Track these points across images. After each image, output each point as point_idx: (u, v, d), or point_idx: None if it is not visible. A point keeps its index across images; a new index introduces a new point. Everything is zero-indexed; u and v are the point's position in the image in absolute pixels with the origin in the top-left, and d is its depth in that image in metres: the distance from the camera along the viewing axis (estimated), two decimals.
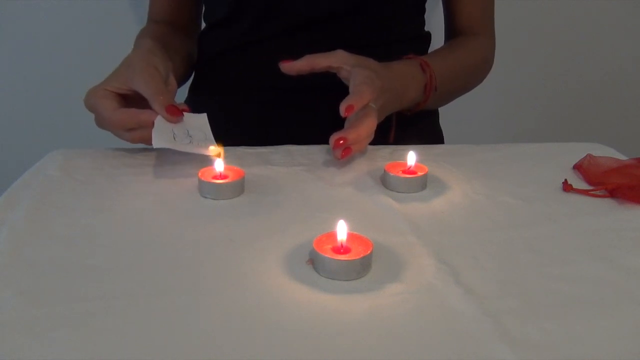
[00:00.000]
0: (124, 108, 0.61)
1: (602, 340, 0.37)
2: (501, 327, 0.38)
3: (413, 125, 0.81)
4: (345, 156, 0.61)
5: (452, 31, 0.86)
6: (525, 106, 1.43)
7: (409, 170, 0.59)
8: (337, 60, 0.65)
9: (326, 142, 0.71)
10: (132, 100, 0.62)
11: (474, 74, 0.84)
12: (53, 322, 0.37)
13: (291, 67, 0.65)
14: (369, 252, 0.43)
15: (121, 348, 0.35)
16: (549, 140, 0.74)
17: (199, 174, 0.57)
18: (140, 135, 0.61)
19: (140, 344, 0.36)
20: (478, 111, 1.36)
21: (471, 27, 0.84)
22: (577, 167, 0.65)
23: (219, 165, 0.58)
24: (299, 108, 0.77)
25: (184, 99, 0.89)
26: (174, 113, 0.59)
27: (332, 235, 0.45)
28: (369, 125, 0.62)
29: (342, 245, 0.44)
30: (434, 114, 0.89)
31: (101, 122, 0.62)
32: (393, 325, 0.38)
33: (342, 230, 0.44)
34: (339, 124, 0.76)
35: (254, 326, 0.37)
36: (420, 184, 0.59)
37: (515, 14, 1.28)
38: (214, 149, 0.59)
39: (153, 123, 0.59)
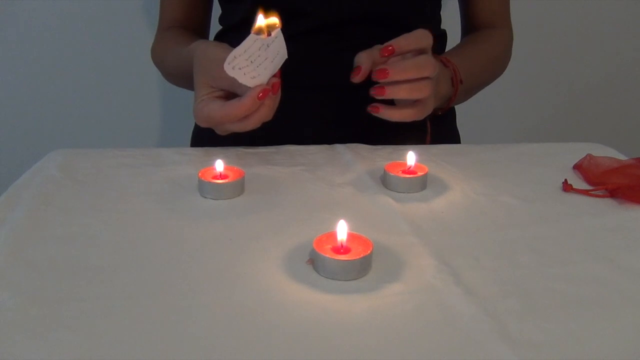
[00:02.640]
0: (229, 102, 0.60)
1: (602, 340, 0.37)
2: (501, 327, 0.38)
3: (435, 127, 0.81)
4: (378, 94, 0.61)
5: (471, 25, 0.86)
6: (525, 106, 1.43)
7: (409, 170, 0.59)
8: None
9: (343, 140, 0.71)
10: (227, 97, 0.62)
11: (498, 65, 0.85)
12: (53, 322, 0.37)
13: (363, 74, 0.64)
14: (369, 252, 0.43)
15: (121, 348, 0.35)
16: (549, 140, 0.74)
17: (199, 174, 0.57)
18: (257, 118, 0.59)
19: (140, 344, 0.36)
20: (482, 111, 1.36)
21: (491, 21, 0.84)
22: (577, 167, 0.65)
23: (219, 166, 0.58)
24: (316, 107, 0.77)
25: None
26: (263, 95, 0.58)
27: (332, 235, 0.45)
28: (419, 63, 0.61)
29: (342, 245, 0.44)
30: (452, 115, 0.89)
31: (220, 126, 0.61)
32: (393, 325, 0.38)
33: (342, 230, 0.44)
34: (359, 123, 0.77)
35: (254, 326, 0.37)
36: (420, 184, 0.59)
37: (516, 15, 1.28)
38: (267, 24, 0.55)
39: (259, 100, 0.57)
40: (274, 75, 0.59)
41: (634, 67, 1.42)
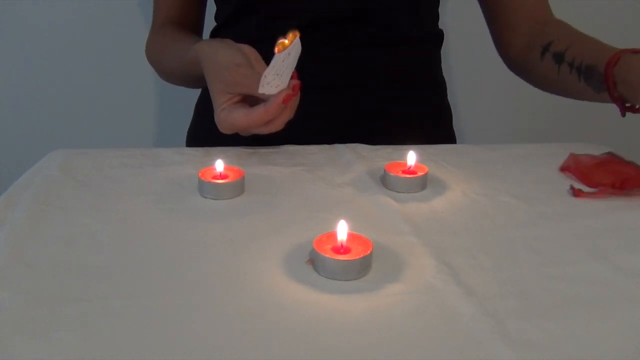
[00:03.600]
0: (253, 108, 0.60)
1: (602, 340, 0.37)
2: (501, 327, 0.38)
3: (431, 126, 0.81)
4: None
5: (528, 22, 0.80)
6: (525, 107, 1.43)
7: (409, 170, 0.59)
8: None
9: (338, 140, 0.71)
10: (247, 100, 0.62)
11: None
12: (53, 322, 0.37)
13: None
14: (369, 252, 0.43)
15: (121, 348, 0.35)
16: (548, 140, 0.74)
17: (199, 174, 0.57)
18: (281, 120, 0.60)
19: (140, 343, 0.36)
20: (485, 112, 1.36)
21: (545, 14, 0.80)
22: (566, 169, 0.64)
23: (219, 166, 0.58)
24: (315, 107, 0.77)
25: (197, 95, 0.89)
26: (287, 99, 0.59)
27: (332, 235, 0.45)
28: None
29: (342, 245, 0.44)
30: (448, 116, 0.89)
31: (246, 131, 0.62)
32: (393, 325, 0.38)
33: (342, 230, 0.44)
34: (352, 122, 0.77)
35: (254, 326, 0.37)
36: (420, 184, 0.59)
37: None
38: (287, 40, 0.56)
39: (283, 104, 0.58)
40: (292, 77, 0.60)
41: None
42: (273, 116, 0.59)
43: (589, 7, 1.34)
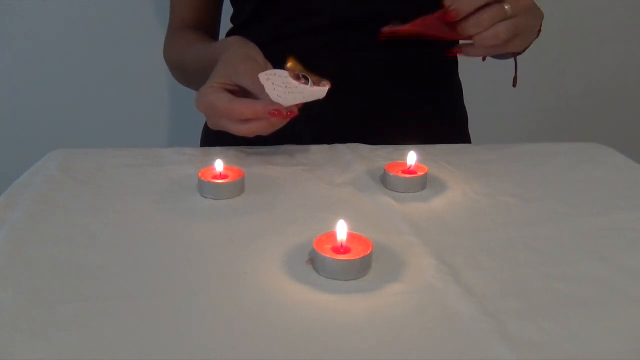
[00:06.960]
0: (240, 98, 0.59)
1: (602, 340, 0.37)
2: (501, 327, 0.38)
3: (446, 130, 0.81)
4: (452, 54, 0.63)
5: None
6: (526, 107, 1.43)
7: (409, 170, 0.59)
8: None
9: (349, 139, 0.71)
10: (239, 96, 0.61)
11: None
12: (53, 322, 0.37)
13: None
14: (369, 252, 0.43)
15: (121, 348, 0.35)
16: (549, 140, 0.74)
17: (199, 174, 0.57)
18: (257, 127, 0.58)
19: (140, 344, 0.36)
20: (493, 115, 1.36)
21: None
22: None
23: (219, 166, 0.58)
24: (319, 107, 0.77)
25: None
26: (274, 114, 0.57)
27: (332, 235, 0.45)
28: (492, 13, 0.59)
29: (342, 245, 0.44)
30: (464, 119, 0.89)
31: (217, 119, 0.60)
32: (393, 325, 0.38)
33: (342, 230, 0.44)
34: (367, 120, 0.76)
35: (254, 326, 0.37)
36: (420, 184, 0.59)
37: None
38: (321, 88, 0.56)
39: (269, 114, 0.57)
40: (296, 105, 0.59)
41: (634, 68, 1.42)
42: (253, 116, 0.57)
43: (591, 6, 1.34)
